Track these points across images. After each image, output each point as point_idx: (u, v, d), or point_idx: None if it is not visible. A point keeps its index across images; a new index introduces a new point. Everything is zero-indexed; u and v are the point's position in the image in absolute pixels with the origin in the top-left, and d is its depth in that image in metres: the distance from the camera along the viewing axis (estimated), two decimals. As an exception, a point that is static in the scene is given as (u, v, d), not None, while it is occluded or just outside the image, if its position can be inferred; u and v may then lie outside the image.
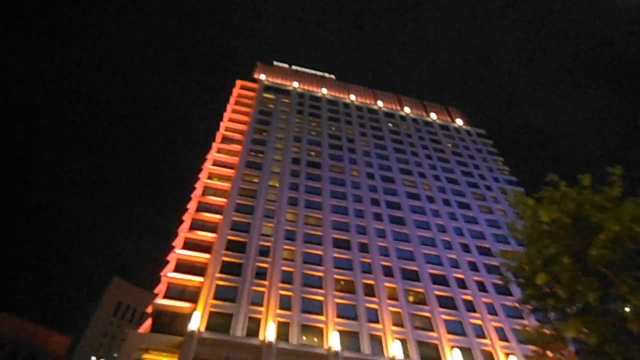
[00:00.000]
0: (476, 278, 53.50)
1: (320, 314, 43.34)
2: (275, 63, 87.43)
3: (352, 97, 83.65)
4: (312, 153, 66.36)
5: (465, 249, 57.53)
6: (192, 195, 56.00)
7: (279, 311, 42.14)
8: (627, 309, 14.80)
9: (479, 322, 48.17)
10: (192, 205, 53.23)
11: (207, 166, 58.25)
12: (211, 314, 39.99)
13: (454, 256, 55.66)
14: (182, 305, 40.70)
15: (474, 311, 49.15)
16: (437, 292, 50.00)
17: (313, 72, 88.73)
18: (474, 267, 55.13)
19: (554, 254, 16.74)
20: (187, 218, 51.45)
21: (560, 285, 16.29)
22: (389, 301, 46.97)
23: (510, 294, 52.29)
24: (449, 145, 78.83)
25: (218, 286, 42.98)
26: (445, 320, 47.16)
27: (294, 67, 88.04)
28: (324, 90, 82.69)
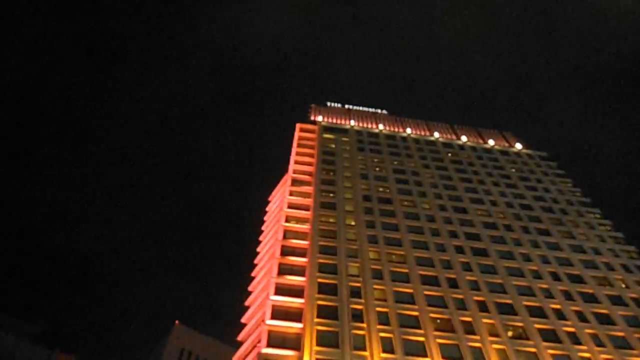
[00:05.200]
0: (574, 308, 50.99)
1: (425, 355, 41.98)
2: (329, 104, 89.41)
3: (409, 130, 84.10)
4: (381, 189, 66.34)
5: (555, 277, 55.25)
6: (274, 239, 56.48)
7: (383, 355, 41.09)
8: None
9: (587, 354, 45.58)
10: (275, 249, 53.48)
11: (284, 209, 58.83)
12: (317, 361, 39.33)
13: (545, 285, 53.47)
14: (287, 353, 40.26)
15: (580, 344, 46.58)
16: (538, 325, 47.79)
17: (366, 109, 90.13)
18: (568, 296, 52.69)
19: None
20: (272, 263, 51.59)
21: None
22: (491, 338, 45.18)
23: (613, 323, 49.55)
24: (513, 170, 77.44)
25: (318, 332, 42.41)
26: (553, 355, 44.84)
27: (347, 106, 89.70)
28: (381, 126, 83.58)
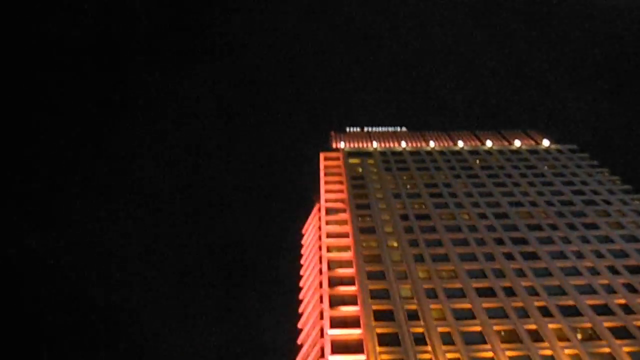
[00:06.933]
0: (640, 300, 48.81)
1: (497, 371, 40.48)
2: (348, 129, 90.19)
3: (432, 143, 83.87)
4: (416, 206, 65.75)
5: (614, 270, 53.17)
6: (316, 271, 56.07)
7: (454, 376, 39.76)
8: None
9: (667, 349, 43.22)
10: (322, 281, 52.95)
11: (324, 239, 58.62)
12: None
13: (605, 281, 51.43)
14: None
15: (656, 338, 44.27)
16: (607, 324, 45.75)
17: (385, 129, 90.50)
18: (632, 288, 50.53)
19: None
20: (323, 295, 50.97)
21: None
22: (561, 343, 43.37)
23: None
24: (546, 168, 76.11)
25: (384, 361, 41.37)
26: (630, 353, 42.68)
27: (366, 129, 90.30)
28: (403, 144, 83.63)
